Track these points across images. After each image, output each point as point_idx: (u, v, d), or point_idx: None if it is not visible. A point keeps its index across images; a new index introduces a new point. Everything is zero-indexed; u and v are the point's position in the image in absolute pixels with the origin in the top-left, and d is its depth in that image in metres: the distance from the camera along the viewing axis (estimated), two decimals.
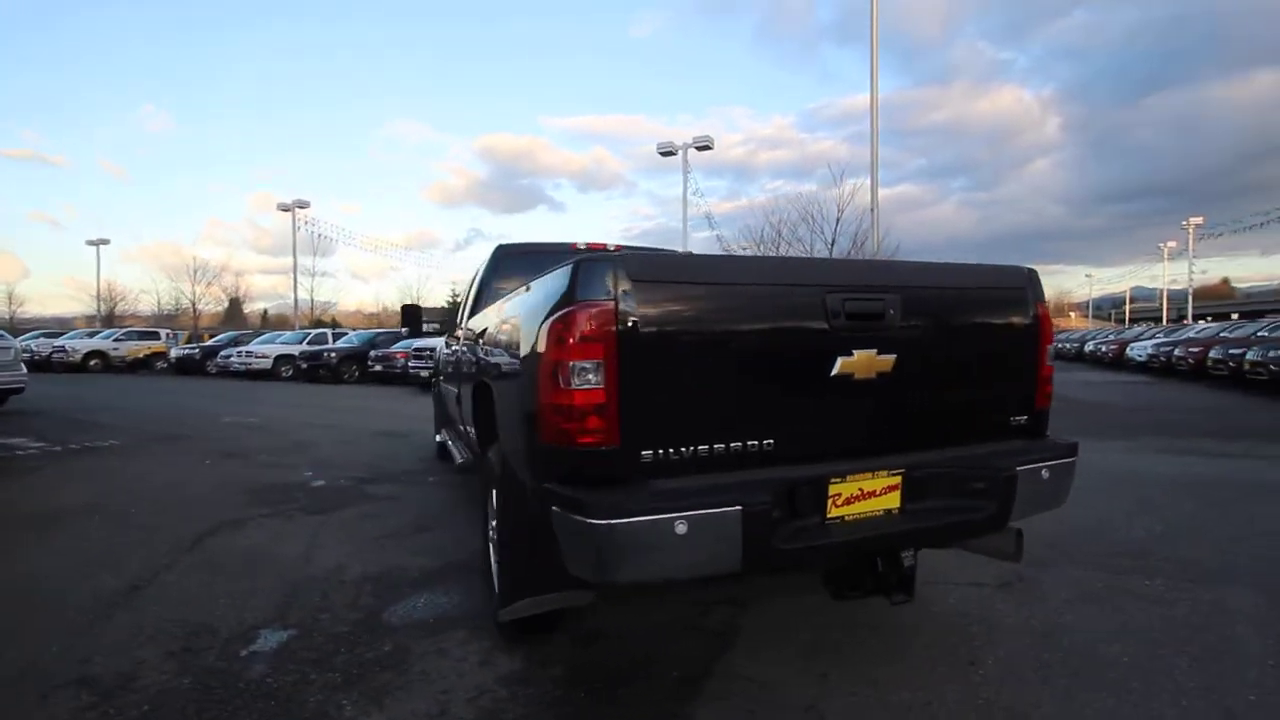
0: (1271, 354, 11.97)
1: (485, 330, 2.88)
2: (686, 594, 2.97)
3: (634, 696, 2.20)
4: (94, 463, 6.43)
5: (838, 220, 13.90)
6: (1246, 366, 12.62)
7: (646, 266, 1.72)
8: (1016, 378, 2.25)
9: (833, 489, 1.89)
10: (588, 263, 1.70)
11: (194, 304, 45.11)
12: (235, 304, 56.73)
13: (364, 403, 13.02)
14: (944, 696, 2.16)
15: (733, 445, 1.80)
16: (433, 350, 14.70)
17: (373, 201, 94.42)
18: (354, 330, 21.77)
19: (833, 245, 15.09)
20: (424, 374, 14.91)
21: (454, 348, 4.50)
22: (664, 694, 2.21)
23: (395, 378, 17.35)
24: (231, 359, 19.48)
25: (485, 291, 4.10)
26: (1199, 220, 28.89)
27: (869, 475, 1.95)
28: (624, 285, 1.68)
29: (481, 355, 2.84)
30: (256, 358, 19.16)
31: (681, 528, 1.61)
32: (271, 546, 3.80)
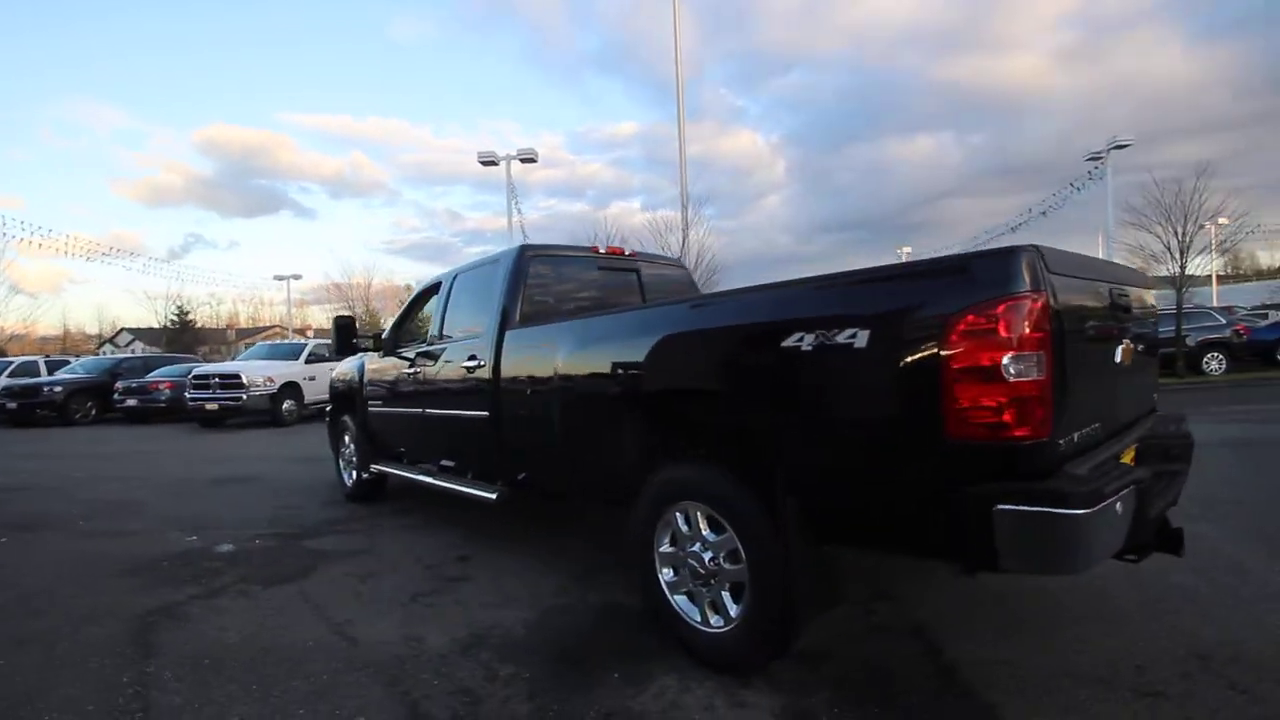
0: None
1: (676, 334, 2.50)
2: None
3: (927, 700, 2.14)
4: None
5: (684, 240, 14.77)
6: None
7: (1056, 259, 1.74)
8: (1156, 360, 2.70)
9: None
10: (1019, 252, 1.66)
11: None
12: None
13: (140, 446, 10.27)
14: (1173, 634, 2.48)
15: (1085, 429, 1.90)
16: (231, 377, 12.25)
17: (42, 197, 73.94)
18: (34, 358, 16.20)
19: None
20: (212, 407, 12.34)
21: (449, 366, 3.85)
22: (946, 690, 2.19)
23: (156, 414, 14.07)
24: None
25: (517, 295, 3.59)
26: (909, 249, 36.41)
27: (1126, 450, 2.18)
28: (1047, 275, 1.68)
29: (668, 364, 2.48)
30: None
31: (1120, 508, 1.65)
32: (272, 633, 2.86)
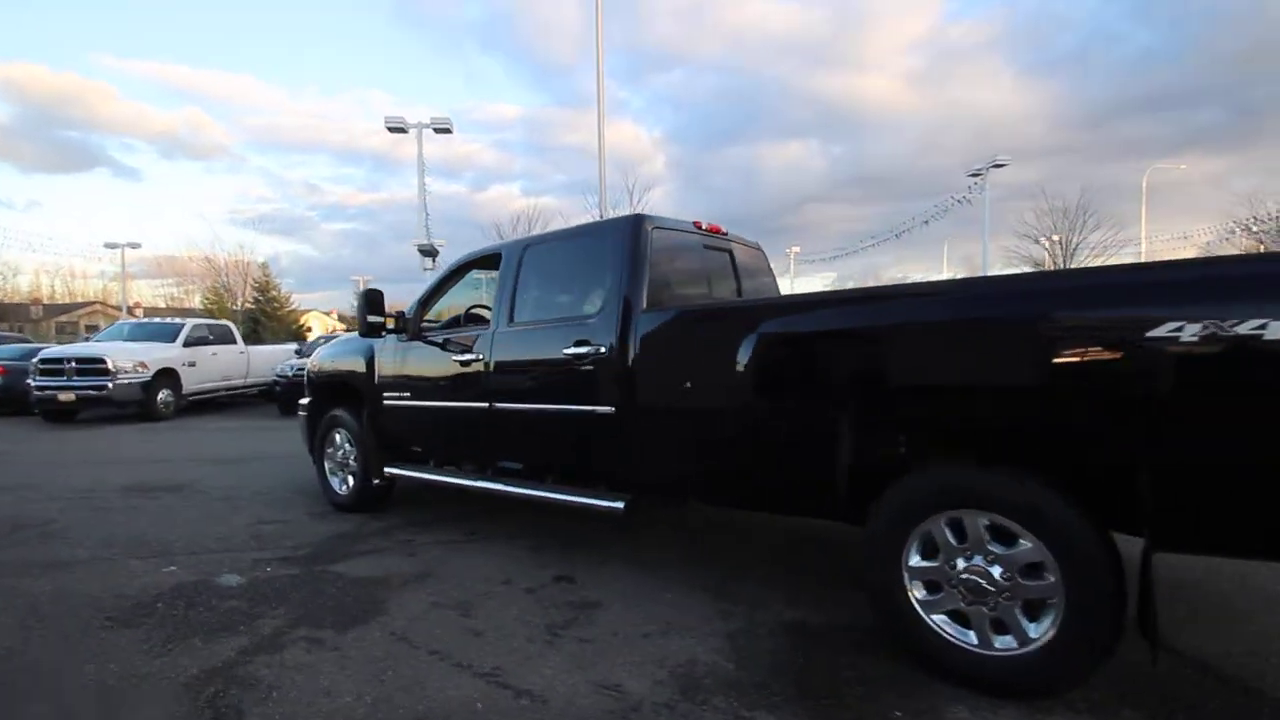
0: None
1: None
2: None
3: (1233, 704, 2.04)
4: None
5: None
6: None
7: None
8: None
9: None
10: None
11: None
12: None
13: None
14: None
15: None
16: (93, 361, 10.16)
17: None
18: None
19: None
20: (67, 397, 10.24)
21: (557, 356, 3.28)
22: (1239, 692, 2.11)
23: None
24: None
25: (641, 273, 3.10)
26: (798, 249, 38.35)
27: None
28: None
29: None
30: None
31: None
32: (408, 693, 2.22)
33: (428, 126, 16.39)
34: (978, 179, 20.76)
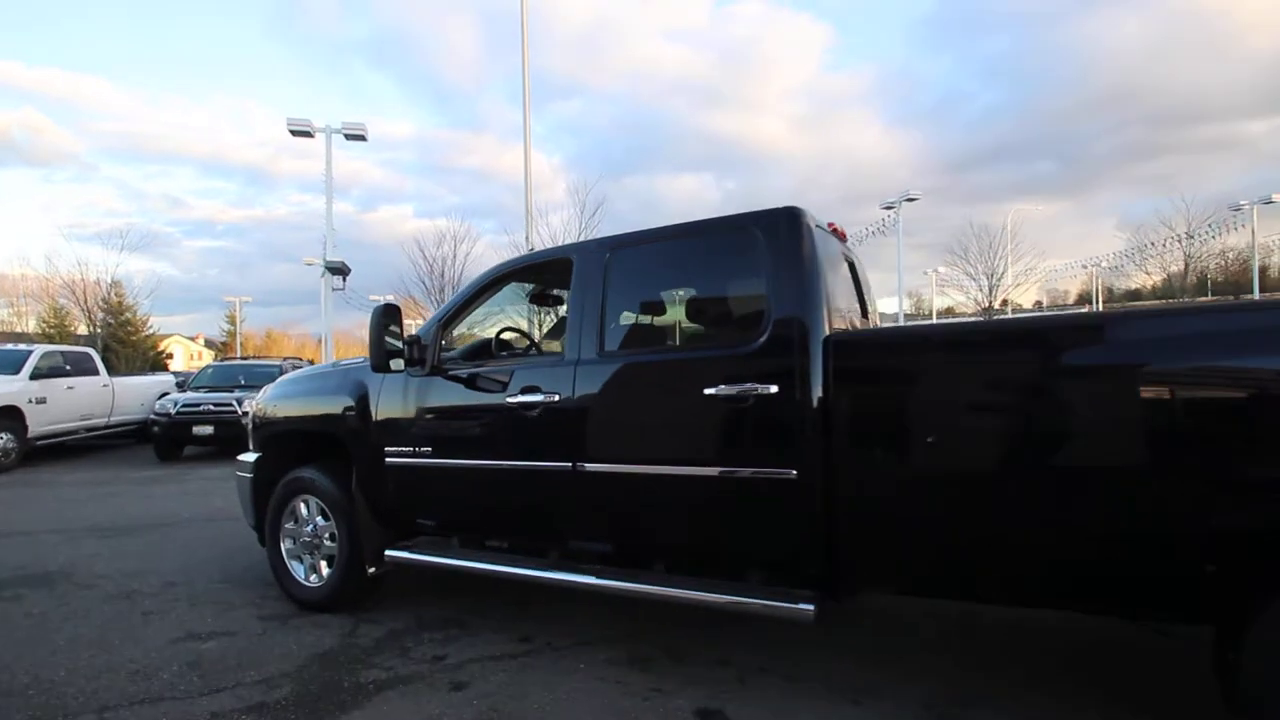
0: None
1: None
2: None
3: None
4: None
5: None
6: None
7: None
8: None
9: None
10: None
11: None
12: None
13: None
14: None
15: None
16: None
17: None
18: None
19: None
20: None
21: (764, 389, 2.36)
22: None
23: None
24: None
25: (817, 282, 2.28)
26: None
27: None
28: None
29: None
30: None
31: None
32: None
33: (338, 131, 14.65)
34: (891, 211, 21.71)
